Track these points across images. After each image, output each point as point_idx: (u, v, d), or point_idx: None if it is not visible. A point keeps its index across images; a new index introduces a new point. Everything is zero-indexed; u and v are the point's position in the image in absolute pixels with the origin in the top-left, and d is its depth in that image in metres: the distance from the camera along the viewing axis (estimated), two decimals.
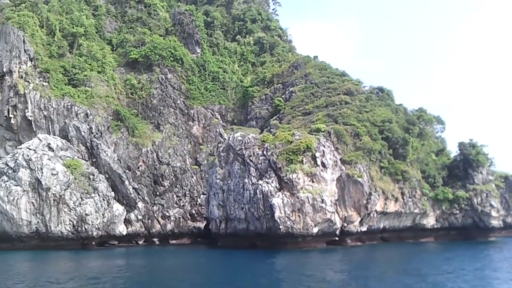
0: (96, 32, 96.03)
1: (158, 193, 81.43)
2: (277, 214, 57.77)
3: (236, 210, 64.06)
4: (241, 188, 63.73)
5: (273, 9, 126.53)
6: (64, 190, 67.47)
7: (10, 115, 79.96)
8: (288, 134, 63.82)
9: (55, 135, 77.86)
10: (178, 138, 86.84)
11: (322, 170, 60.92)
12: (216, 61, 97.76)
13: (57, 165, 68.76)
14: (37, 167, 67.34)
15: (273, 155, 61.85)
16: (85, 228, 67.16)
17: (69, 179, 68.60)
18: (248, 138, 65.92)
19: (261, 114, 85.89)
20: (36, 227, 66.60)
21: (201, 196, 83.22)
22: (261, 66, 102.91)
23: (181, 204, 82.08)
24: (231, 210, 64.87)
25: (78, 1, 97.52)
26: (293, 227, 58.00)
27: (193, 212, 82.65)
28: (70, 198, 67.43)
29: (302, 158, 60.66)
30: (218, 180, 67.43)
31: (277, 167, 60.86)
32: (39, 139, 71.51)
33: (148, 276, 39.52)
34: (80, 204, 67.75)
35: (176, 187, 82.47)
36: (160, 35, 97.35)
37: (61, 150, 72.40)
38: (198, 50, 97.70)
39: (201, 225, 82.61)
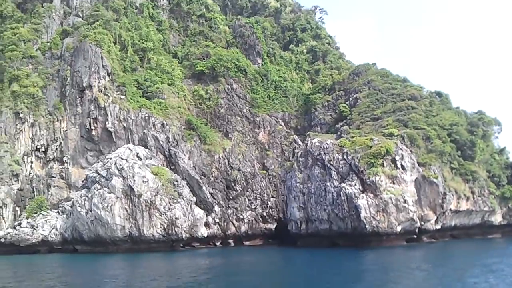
0: (162, 46, 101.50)
1: (231, 197, 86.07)
2: (363, 214, 61.80)
3: (318, 212, 68.37)
4: (322, 191, 68.02)
5: (319, 18, 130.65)
6: (154, 196, 72.41)
7: (92, 127, 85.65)
8: (366, 139, 67.84)
9: (134, 144, 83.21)
10: (246, 145, 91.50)
11: (402, 172, 64.88)
12: (275, 70, 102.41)
13: (147, 173, 73.86)
14: (129, 175, 72.44)
15: (354, 159, 66.01)
16: (175, 231, 71.91)
17: (158, 185, 73.60)
18: (326, 143, 70.26)
19: (325, 120, 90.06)
20: (129, 231, 71.55)
21: (271, 199, 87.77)
22: (315, 74, 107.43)
23: (253, 207, 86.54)
24: (313, 211, 69.25)
25: (144, 17, 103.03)
26: (378, 226, 61.99)
27: (264, 214, 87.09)
28: (160, 203, 72.35)
29: (383, 161, 64.70)
30: (298, 184, 71.86)
31: (359, 170, 65.01)
32: (129, 149, 76.69)
33: (261, 273, 43.05)
34: (169, 208, 72.59)
35: (247, 191, 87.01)
36: (222, 47, 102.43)
37: (147, 159, 77.56)
38: (259, 61, 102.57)
39: (272, 226, 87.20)
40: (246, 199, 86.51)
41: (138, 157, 75.85)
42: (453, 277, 35.89)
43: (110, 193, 72.24)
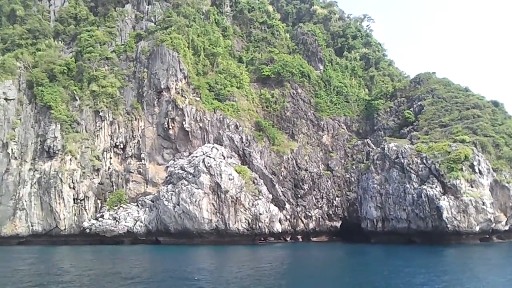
0: (227, 51, 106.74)
1: (299, 196, 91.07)
2: (445, 214, 66.65)
3: (397, 211, 73.33)
4: (402, 192, 72.97)
5: (367, 26, 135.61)
6: (239, 192, 77.46)
7: (169, 127, 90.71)
8: (444, 145, 72.72)
9: (209, 143, 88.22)
10: (311, 147, 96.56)
11: (479, 177, 69.74)
12: (336, 76, 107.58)
13: (232, 171, 78.96)
14: (217, 173, 77.52)
15: (434, 164, 70.91)
16: (258, 226, 76.91)
17: (242, 183, 78.65)
18: (404, 148, 75.21)
19: (388, 125, 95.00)
20: (216, 225, 76.55)
21: (336, 198, 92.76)
22: (370, 80, 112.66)
23: (320, 205, 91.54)
24: (391, 211, 74.23)
25: (211, 23, 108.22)
26: (459, 226, 66.79)
27: (330, 212, 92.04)
28: (245, 199, 77.41)
29: (462, 166, 69.62)
30: (375, 185, 76.85)
31: (440, 174, 69.87)
32: (216, 148, 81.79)
33: (361, 268, 46.65)
34: (253, 204, 77.63)
35: (314, 190, 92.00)
36: (284, 53, 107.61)
37: (229, 157, 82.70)
38: (321, 67, 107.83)
39: (337, 224, 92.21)
40: (313, 198, 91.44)
41: (223, 155, 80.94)
42: None
43: (198, 189, 77.25)
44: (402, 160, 74.29)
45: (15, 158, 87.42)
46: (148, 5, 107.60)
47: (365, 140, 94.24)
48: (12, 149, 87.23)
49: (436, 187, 69.32)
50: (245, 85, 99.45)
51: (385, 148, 77.46)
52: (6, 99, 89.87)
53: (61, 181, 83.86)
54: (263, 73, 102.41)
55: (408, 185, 72.27)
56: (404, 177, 73.50)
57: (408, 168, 73.10)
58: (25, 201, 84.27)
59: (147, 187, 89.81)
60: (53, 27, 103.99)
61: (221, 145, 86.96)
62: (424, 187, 70.02)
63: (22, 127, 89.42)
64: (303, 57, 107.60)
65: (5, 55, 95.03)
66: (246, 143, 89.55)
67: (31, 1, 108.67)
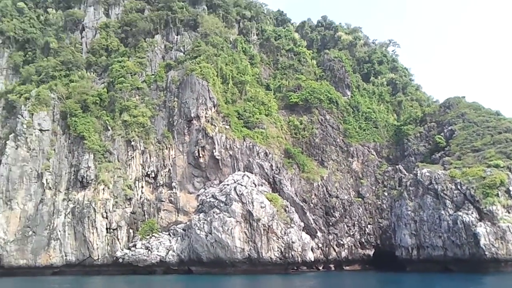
0: (255, 79, 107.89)
1: (330, 223, 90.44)
2: (482, 241, 65.49)
3: (432, 239, 72.33)
4: (436, 219, 72.11)
5: (392, 51, 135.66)
6: (271, 220, 77.30)
7: (199, 155, 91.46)
8: (479, 170, 71.84)
9: (239, 171, 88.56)
10: (341, 173, 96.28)
11: None
12: (364, 101, 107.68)
13: (263, 199, 79.01)
14: (248, 201, 77.62)
15: (469, 189, 70.05)
16: (291, 255, 76.43)
17: (273, 211, 78.54)
18: (437, 174, 74.51)
19: (419, 151, 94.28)
20: (248, 254, 76.29)
21: (368, 226, 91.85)
22: (398, 106, 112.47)
23: (351, 233, 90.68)
24: (426, 238, 73.25)
25: (238, 51, 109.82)
26: (498, 253, 65.47)
27: (362, 240, 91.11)
28: (277, 227, 77.18)
29: (497, 191, 68.59)
30: (409, 212, 76.09)
31: (475, 199, 68.93)
32: (247, 176, 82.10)
33: None
34: (285, 233, 77.34)
35: (345, 217, 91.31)
36: (312, 80, 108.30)
37: (260, 185, 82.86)
38: (348, 93, 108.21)
39: (370, 252, 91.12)
40: (345, 226, 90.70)
41: (254, 183, 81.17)
42: None
43: (230, 217, 77.37)
44: (436, 186, 73.59)
45: (50, 188, 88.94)
46: (177, 35, 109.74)
47: (397, 166, 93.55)
48: (46, 179, 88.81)
49: (472, 213, 68.35)
50: (273, 112, 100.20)
51: (418, 174, 76.91)
52: (41, 130, 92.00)
53: (94, 210, 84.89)
54: (291, 100, 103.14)
55: (443, 212, 71.43)
56: (439, 204, 72.73)
57: (442, 194, 72.33)
58: (59, 231, 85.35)
59: (178, 216, 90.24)
60: (86, 58, 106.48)
61: (251, 173, 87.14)
62: (460, 213, 69.10)
63: (56, 157, 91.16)
64: (330, 83, 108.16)
65: (40, 86, 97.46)
66: (276, 170, 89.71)
67: (64, 34, 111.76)
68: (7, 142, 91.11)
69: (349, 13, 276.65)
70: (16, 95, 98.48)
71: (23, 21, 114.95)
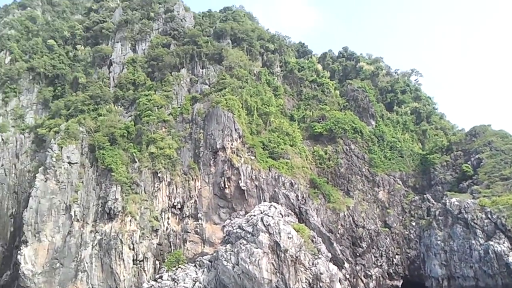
0: (279, 110, 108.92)
1: (358, 254, 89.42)
2: None
3: (463, 269, 71.11)
4: (467, 249, 71.00)
5: (415, 80, 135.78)
6: (298, 251, 76.77)
7: (225, 186, 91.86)
8: (509, 199, 70.88)
9: (265, 202, 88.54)
10: (367, 203, 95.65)
11: None
12: (389, 131, 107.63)
13: (290, 229, 78.66)
14: (275, 231, 77.34)
15: (499, 218, 69.04)
16: (319, 286, 75.47)
17: (301, 241, 78.04)
18: (467, 203, 73.59)
19: (446, 180, 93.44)
20: (276, 285, 75.50)
21: (396, 256, 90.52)
22: (423, 135, 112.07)
23: (379, 264, 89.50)
24: (457, 268, 72.01)
25: (262, 83, 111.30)
26: None
27: (390, 271, 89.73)
28: (305, 258, 76.56)
29: None
30: (439, 242, 75.14)
31: (506, 228, 67.84)
32: (273, 207, 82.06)
33: None
34: (313, 264, 76.61)
35: (373, 248, 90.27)
36: (335, 110, 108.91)
37: (286, 216, 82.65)
38: (373, 122, 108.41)
39: (399, 283, 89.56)
40: (372, 256, 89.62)
41: (281, 214, 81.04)
42: None
43: (257, 248, 77.04)
44: (465, 216, 72.77)
45: (77, 220, 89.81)
46: (202, 68, 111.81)
47: (424, 195, 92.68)
48: (74, 212, 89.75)
49: (503, 242, 67.35)
50: (298, 143, 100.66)
51: (447, 203, 76.25)
52: (69, 163, 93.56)
53: (121, 242, 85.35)
54: (315, 130, 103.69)
55: (473, 241, 70.48)
56: (469, 233, 71.82)
57: (472, 223, 71.41)
58: (87, 262, 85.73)
59: (204, 247, 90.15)
60: (113, 92, 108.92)
61: (277, 203, 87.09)
62: (491, 243, 68.07)
63: (84, 189, 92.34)
64: (354, 113, 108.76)
65: (69, 120, 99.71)
66: (302, 200, 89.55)
67: (92, 69, 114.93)
68: (36, 175, 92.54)
69: (369, 44, 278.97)
70: (45, 129, 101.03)
71: (53, 57, 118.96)
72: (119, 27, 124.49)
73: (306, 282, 75.55)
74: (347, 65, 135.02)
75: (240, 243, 78.88)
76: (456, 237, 73.14)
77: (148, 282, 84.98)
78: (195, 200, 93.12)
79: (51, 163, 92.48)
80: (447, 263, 73.64)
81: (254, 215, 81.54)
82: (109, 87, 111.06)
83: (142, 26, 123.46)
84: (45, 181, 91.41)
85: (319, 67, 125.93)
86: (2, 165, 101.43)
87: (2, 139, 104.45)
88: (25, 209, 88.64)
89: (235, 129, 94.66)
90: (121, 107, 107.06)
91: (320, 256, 78.56)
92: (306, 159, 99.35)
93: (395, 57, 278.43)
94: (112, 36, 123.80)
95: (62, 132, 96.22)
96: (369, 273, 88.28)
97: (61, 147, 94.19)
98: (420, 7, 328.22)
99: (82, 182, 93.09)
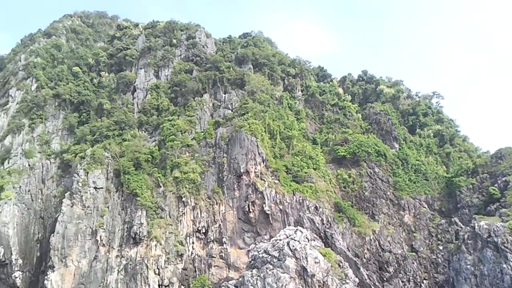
0: (301, 134, 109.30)
1: (385, 279, 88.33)
2: None
3: None
4: (498, 273, 69.83)
5: (436, 102, 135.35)
6: (326, 276, 76.07)
7: (249, 210, 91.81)
8: None
9: (290, 226, 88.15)
10: (393, 227, 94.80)
11: None
12: (412, 154, 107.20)
13: (317, 254, 78.13)
14: (302, 256, 76.84)
15: None
16: None
17: (328, 266, 77.36)
18: (496, 226, 72.64)
19: (472, 202, 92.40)
20: None
21: (424, 281, 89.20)
22: (446, 157, 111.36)
23: None
24: None
25: (284, 107, 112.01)
26: None
27: None
28: (332, 283, 75.81)
29: None
30: (468, 266, 73.95)
31: None
32: (300, 231, 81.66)
33: None
34: None
35: (400, 272, 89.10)
36: (358, 133, 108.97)
37: (312, 240, 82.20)
38: (396, 145, 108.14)
39: None
40: (400, 281, 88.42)
41: (307, 238, 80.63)
42: None
43: (283, 273, 76.46)
44: (495, 239, 71.74)
45: (103, 245, 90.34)
46: (225, 93, 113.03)
47: (452, 219, 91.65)
48: (100, 236, 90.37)
49: None
50: (321, 166, 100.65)
51: (476, 227, 75.26)
52: (95, 188, 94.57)
53: (147, 267, 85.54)
54: (339, 154, 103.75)
55: (504, 265, 69.34)
56: (500, 257, 70.67)
57: (503, 247, 70.34)
58: (112, 287, 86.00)
59: (229, 272, 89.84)
60: (137, 118, 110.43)
61: (302, 227, 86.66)
62: None
63: (110, 214, 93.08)
64: (377, 136, 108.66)
65: (94, 146, 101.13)
66: (327, 224, 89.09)
67: (117, 95, 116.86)
68: (62, 200, 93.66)
69: (386, 67, 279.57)
70: (71, 154, 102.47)
71: (78, 84, 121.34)
72: (142, 53, 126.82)
73: None
74: (367, 88, 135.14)
75: (266, 268, 78.36)
76: (486, 261, 72.02)
77: None
78: (220, 225, 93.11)
79: (77, 188, 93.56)
80: None
81: (280, 240, 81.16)
82: (133, 113, 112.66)
83: (164, 52, 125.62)
84: (71, 206, 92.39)
85: (340, 90, 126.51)
86: (29, 191, 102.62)
87: (29, 165, 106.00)
88: (52, 234, 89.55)
89: (259, 153, 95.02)
90: (145, 132, 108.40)
91: (347, 281, 77.69)
92: (330, 183, 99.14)
93: (413, 80, 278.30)
94: (135, 62, 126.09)
95: (87, 158, 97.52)
96: None
97: (87, 172, 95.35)
98: (429, 28, 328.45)
99: (108, 207, 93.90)
